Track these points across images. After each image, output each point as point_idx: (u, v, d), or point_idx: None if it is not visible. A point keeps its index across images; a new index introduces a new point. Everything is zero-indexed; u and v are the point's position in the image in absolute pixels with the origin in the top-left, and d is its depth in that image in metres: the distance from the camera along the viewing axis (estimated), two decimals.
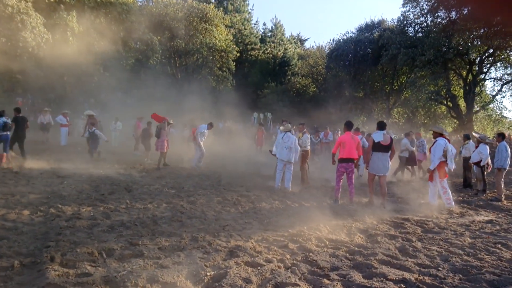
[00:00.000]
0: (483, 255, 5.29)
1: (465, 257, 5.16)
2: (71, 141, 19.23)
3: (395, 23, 33.36)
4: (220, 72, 37.75)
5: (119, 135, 20.64)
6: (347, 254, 5.09)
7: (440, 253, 5.32)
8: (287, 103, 39.21)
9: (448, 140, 8.55)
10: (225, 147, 21.15)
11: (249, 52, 45.66)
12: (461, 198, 10.13)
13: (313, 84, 43.83)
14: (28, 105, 30.14)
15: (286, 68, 46.01)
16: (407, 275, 4.37)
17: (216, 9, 37.38)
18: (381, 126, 8.87)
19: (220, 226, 6.16)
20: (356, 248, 5.36)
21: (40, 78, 26.11)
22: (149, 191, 8.65)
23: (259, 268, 4.40)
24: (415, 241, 5.87)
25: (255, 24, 51.23)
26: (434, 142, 8.51)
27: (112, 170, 11.46)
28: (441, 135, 8.56)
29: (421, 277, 4.36)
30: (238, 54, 38.78)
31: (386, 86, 35.33)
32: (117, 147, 19.32)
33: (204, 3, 37.42)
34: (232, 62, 38.01)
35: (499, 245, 5.83)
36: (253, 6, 64.44)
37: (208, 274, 4.11)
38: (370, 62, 34.17)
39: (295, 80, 44.48)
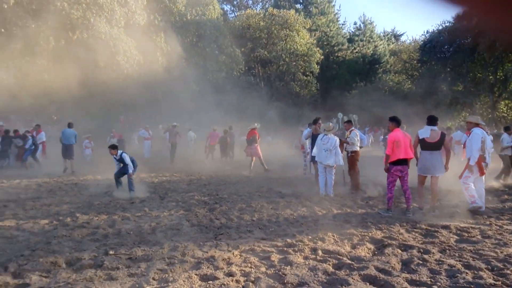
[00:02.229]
0: (510, 271, 4.13)
1: (482, 273, 4.07)
2: (155, 153, 20.58)
3: None
4: (303, 77, 37.30)
5: (194, 145, 21.50)
6: (331, 268, 4.38)
7: (453, 267, 4.29)
8: (378, 102, 37.01)
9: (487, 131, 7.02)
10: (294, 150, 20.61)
11: (336, 54, 44.34)
12: None
13: (408, 81, 40.73)
14: (128, 122, 33.17)
15: (377, 66, 43.60)
16: None
17: (297, 14, 37.12)
18: (430, 120, 7.65)
19: (216, 234, 5.85)
20: (349, 261, 4.60)
21: (135, 97, 28.62)
22: (180, 199, 8.68)
23: (210, 282, 4.00)
24: (434, 253, 4.85)
25: (342, 24, 49.70)
26: (470, 134, 7.05)
27: (167, 178, 11.88)
28: (477, 125, 7.06)
29: None
30: (321, 57, 37.87)
31: (489, 77, 31.12)
32: (193, 156, 20.03)
33: (285, 10, 37.44)
34: (316, 66, 37.26)
35: None
36: (340, 7, 62.64)
37: None
38: (468, 52, 30.50)
39: (387, 77, 41.85)
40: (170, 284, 3.91)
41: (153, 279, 4.10)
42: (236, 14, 45.63)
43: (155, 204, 8.14)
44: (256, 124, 14.02)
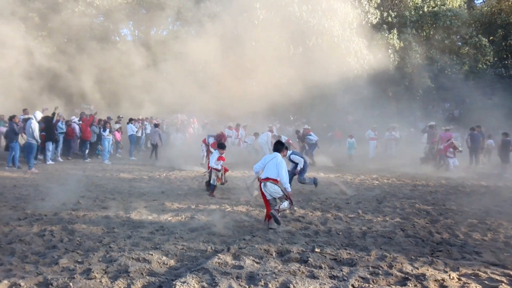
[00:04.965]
0: None
1: None
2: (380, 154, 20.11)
3: None
4: None
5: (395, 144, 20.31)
6: None
7: None
8: None
9: None
10: None
11: None
12: None
13: None
14: (357, 121, 33.45)
15: None
16: None
17: None
18: None
19: (433, 250, 5.19)
20: None
21: (364, 96, 28.75)
22: (398, 205, 8.09)
23: None
24: None
25: None
26: None
27: (389, 181, 11.38)
28: None
29: None
30: None
31: None
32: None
33: None
34: None
35: None
36: None
37: None
38: None
39: None
40: None
41: (352, 286, 3.94)
42: None
43: (371, 207, 7.86)
44: None
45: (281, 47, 24.25)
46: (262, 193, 6.18)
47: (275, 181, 6.07)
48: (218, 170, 8.69)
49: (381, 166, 15.02)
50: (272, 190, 6.06)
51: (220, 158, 8.73)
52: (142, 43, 28.99)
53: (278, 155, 6.29)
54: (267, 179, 6.09)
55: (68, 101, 23.29)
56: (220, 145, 8.99)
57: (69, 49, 24.96)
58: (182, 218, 6.60)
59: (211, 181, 8.66)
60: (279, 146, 6.50)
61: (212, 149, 10.60)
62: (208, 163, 9.13)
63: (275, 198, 6.10)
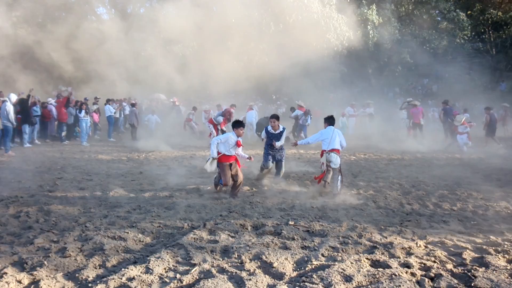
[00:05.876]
0: None
1: None
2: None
3: None
4: None
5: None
6: None
7: None
8: None
9: None
10: None
11: None
12: None
13: None
14: (337, 99, 33.63)
15: None
16: None
17: None
18: None
19: (403, 220, 5.40)
20: None
21: (344, 74, 28.89)
22: (373, 179, 8.33)
23: (380, 269, 3.71)
24: None
25: None
26: None
27: (365, 156, 11.61)
28: None
29: None
30: None
31: None
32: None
33: None
34: None
35: None
36: None
37: (314, 263, 3.86)
38: None
39: None
40: (336, 263, 3.81)
41: (322, 255, 4.08)
42: None
43: (346, 181, 8.01)
44: None
45: (261, 24, 23.95)
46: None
47: (338, 152, 7.03)
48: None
49: (360, 142, 15.27)
50: (334, 160, 6.94)
51: (238, 144, 6.58)
52: (119, 20, 28.28)
53: (334, 128, 7.21)
54: (333, 150, 7.00)
55: (44, 82, 22.68)
56: (237, 124, 6.68)
57: (44, 28, 24.15)
58: (160, 197, 6.65)
59: (205, 166, 6.70)
60: (332, 121, 7.34)
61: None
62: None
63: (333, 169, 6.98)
